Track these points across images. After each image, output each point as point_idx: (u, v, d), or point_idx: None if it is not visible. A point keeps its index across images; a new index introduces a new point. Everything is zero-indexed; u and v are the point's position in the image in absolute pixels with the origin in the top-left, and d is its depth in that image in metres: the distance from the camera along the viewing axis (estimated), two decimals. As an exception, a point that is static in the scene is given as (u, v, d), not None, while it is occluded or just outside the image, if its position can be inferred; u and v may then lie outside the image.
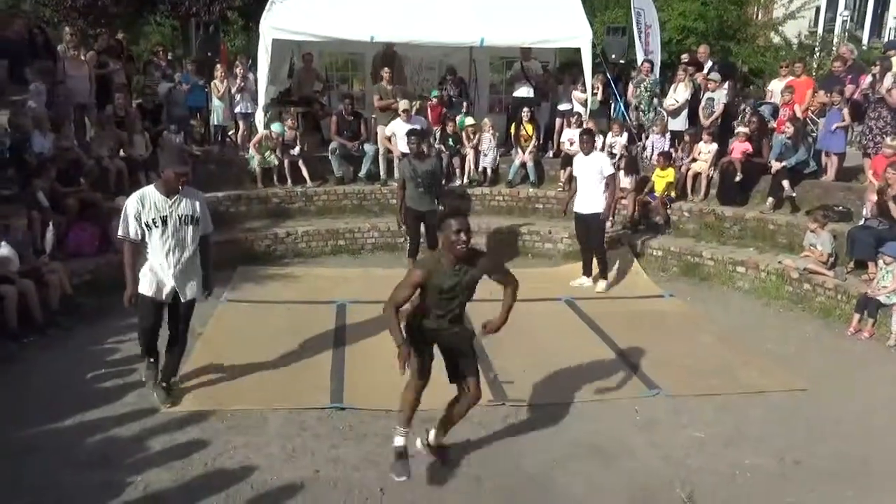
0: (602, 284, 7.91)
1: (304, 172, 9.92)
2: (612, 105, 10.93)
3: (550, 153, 10.92)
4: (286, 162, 9.86)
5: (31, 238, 6.59)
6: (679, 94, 10.35)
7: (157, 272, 4.77)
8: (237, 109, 10.63)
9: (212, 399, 5.05)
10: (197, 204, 4.83)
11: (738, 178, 9.12)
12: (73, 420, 4.70)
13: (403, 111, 9.41)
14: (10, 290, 5.83)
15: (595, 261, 7.97)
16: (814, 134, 9.44)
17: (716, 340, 6.53)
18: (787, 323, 7.09)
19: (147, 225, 4.64)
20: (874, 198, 7.40)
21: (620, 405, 5.15)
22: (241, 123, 10.70)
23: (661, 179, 9.38)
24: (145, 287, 4.78)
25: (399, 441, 4.11)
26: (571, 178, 9.99)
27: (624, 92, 11.11)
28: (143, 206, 4.62)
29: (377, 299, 7.18)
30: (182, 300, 4.90)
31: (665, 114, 10.40)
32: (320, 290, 7.63)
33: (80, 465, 4.19)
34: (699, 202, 9.48)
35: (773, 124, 9.71)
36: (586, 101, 10.55)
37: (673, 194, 9.49)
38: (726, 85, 10.18)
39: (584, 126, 10.11)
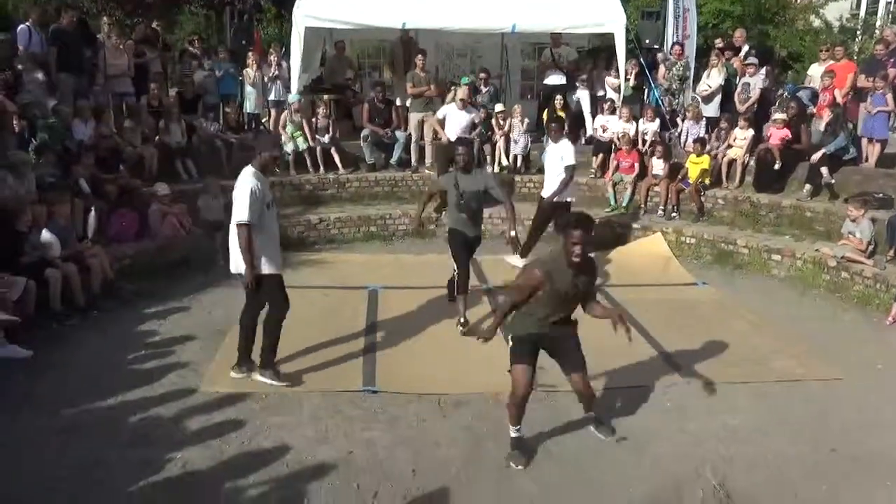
0: (516, 259, 7.56)
1: (337, 159, 10.00)
2: (646, 91, 10.79)
3: (583, 140, 10.84)
4: (318, 149, 9.95)
5: (73, 224, 6.77)
6: (712, 79, 10.19)
7: (276, 250, 5.02)
8: (270, 97, 10.75)
9: (248, 381, 5.16)
10: None
11: (777, 166, 8.96)
12: (114, 399, 4.85)
13: (460, 99, 9.32)
14: (55, 274, 6.02)
15: (531, 240, 7.89)
16: (853, 120, 9.23)
17: (750, 329, 6.45)
18: (824, 312, 6.97)
19: (267, 205, 4.86)
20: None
21: (652, 392, 5.13)
22: (272, 111, 10.81)
23: (696, 166, 9.26)
24: (273, 267, 4.96)
25: (514, 433, 4.30)
26: (604, 164, 9.98)
27: (657, 77, 10.98)
28: (259, 188, 4.76)
29: (408, 285, 7.39)
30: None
31: (699, 99, 10.24)
32: (352, 276, 7.71)
33: (121, 444, 4.33)
34: (734, 189, 9.34)
35: (813, 109, 9.51)
36: (619, 87, 10.44)
37: (707, 181, 9.37)
38: (763, 70, 9.98)
39: (618, 110, 10.08)
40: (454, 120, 9.23)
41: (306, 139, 9.90)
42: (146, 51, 10.14)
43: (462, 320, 6.17)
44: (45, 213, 6.43)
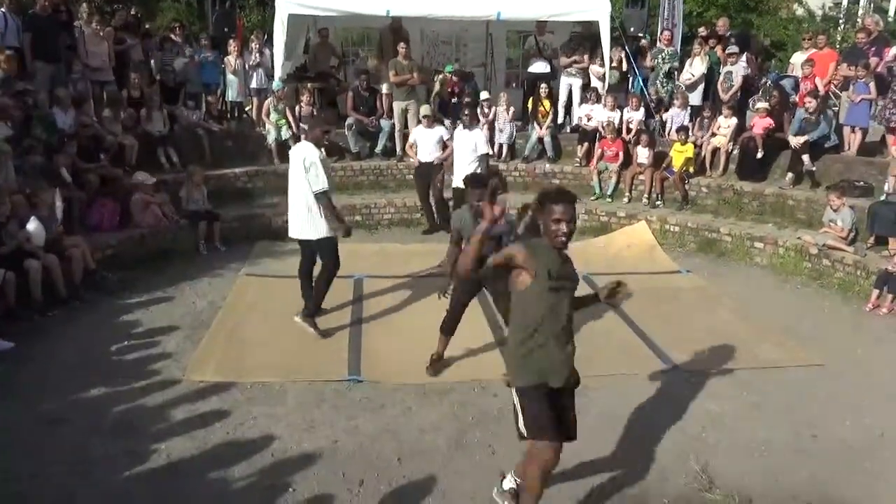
0: None
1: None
2: (630, 79, 10.80)
3: (568, 128, 10.85)
4: (302, 137, 9.86)
5: (54, 213, 6.68)
6: (695, 67, 10.22)
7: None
8: (252, 85, 10.65)
9: (232, 371, 5.14)
10: None
11: (759, 155, 9.02)
12: (98, 391, 4.81)
13: (424, 117, 8.74)
14: (35, 265, 5.94)
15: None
16: (835, 108, 9.29)
17: (733, 316, 6.52)
18: (805, 299, 7.05)
19: (328, 175, 5.51)
20: (896, 172, 7.31)
21: (637, 380, 5.17)
22: (255, 99, 10.72)
23: (680, 154, 9.30)
24: (331, 231, 5.64)
25: (509, 483, 3.56)
26: (589, 153, 9.99)
27: (642, 66, 10.99)
28: (323, 159, 5.50)
29: (393, 274, 7.38)
30: None
31: (683, 87, 10.27)
32: (337, 265, 7.68)
33: (105, 434, 4.30)
34: (718, 178, 9.40)
35: (795, 98, 9.57)
36: (604, 75, 10.44)
37: (691, 169, 9.42)
38: (744, 57, 10.02)
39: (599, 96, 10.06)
40: (422, 140, 8.75)
41: (290, 127, 9.82)
42: (126, 38, 9.99)
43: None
44: (27, 202, 6.32)
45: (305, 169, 5.42)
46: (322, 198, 5.47)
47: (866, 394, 5.03)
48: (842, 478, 4.03)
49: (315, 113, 10.09)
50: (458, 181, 7.69)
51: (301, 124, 9.86)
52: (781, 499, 3.85)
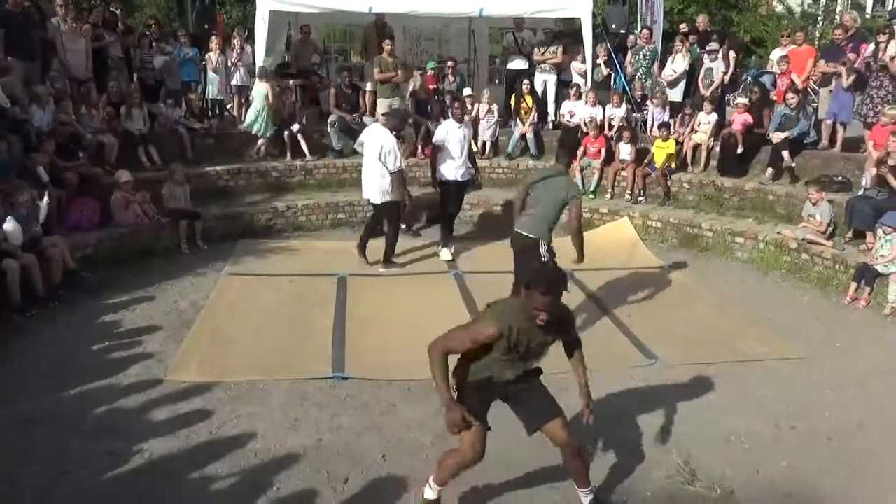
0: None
1: (304, 146, 9.89)
2: (613, 76, 10.86)
3: (551, 125, 10.88)
4: (285, 134, 9.83)
5: (35, 213, 6.58)
6: (677, 64, 10.28)
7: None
8: (233, 82, 10.57)
9: (215, 370, 5.11)
10: None
11: (739, 151, 9.11)
12: (78, 391, 4.77)
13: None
14: (13, 265, 5.86)
15: (447, 229, 8.08)
16: (814, 104, 9.39)
17: (714, 310, 6.58)
18: (785, 293, 7.13)
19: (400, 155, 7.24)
20: (874, 168, 7.39)
21: (619, 374, 5.20)
22: (235, 97, 10.65)
23: (662, 151, 9.36)
24: (396, 196, 7.32)
25: (430, 494, 3.54)
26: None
27: (624, 62, 11.05)
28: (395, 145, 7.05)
29: (376, 273, 7.36)
30: None
31: (665, 84, 10.34)
32: (321, 263, 7.66)
33: (86, 435, 4.26)
34: (699, 173, 9.48)
35: (774, 95, 9.66)
36: (585, 72, 10.48)
37: (673, 165, 9.49)
38: (720, 53, 10.09)
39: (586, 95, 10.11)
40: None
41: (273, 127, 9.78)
42: (105, 34, 9.87)
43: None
44: (7, 203, 6.23)
45: (384, 152, 6.93)
46: (397, 175, 7.10)
47: (845, 385, 5.10)
48: (821, 468, 4.09)
49: (298, 110, 10.06)
50: (450, 175, 7.74)
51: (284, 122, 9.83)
52: (762, 489, 3.89)
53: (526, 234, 5.53)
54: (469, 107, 10.17)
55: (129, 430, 4.31)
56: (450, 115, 7.97)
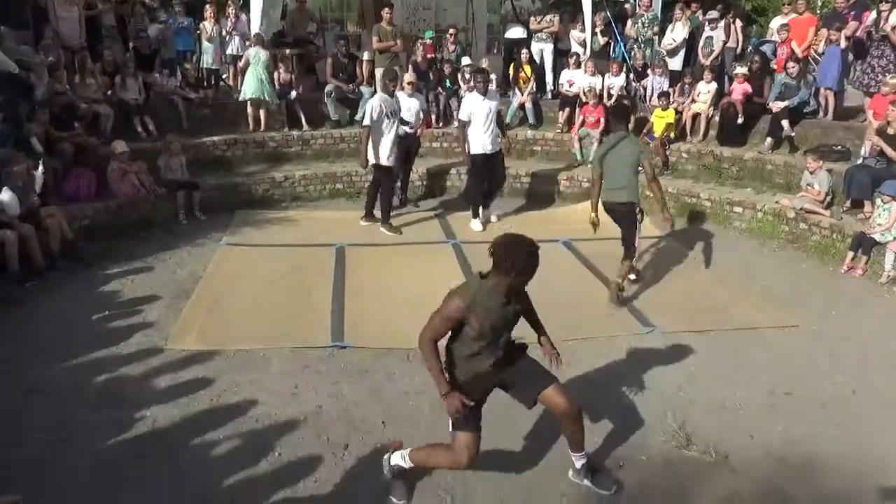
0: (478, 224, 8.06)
1: (301, 116, 9.83)
2: (612, 45, 10.75)
3: (549, 94, 10.80)
4: (283, 104, 9.75)
5: (31, 183, 6.56)
6: (676, 33, 10.18)
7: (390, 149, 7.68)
8: (228, 51, 10.46)
9: (215, 339, 5.14)
10: None
11: (739, 121, 9.06)
12: (80, 360, 4.80)
13: (409, 83, 8.25)
14: (10, 235, 5.86)
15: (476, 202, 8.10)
16: (814, 73, 9.32)
17: (711, 279, 6.61)
18: (783, 262, 7.16)
19: (387, 115, 7.50)
20: (874, 137, 7.36)
21: (616, 342, 5.24)
22: (230, 67, 10.54)
23: (661, 120, 9.31)
24: (390, 161, 7.71)
25: (400, 462, 3.53)
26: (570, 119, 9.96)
27: (624, 31, 10.93)
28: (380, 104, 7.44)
29: (374, 242, 7.37)
30: None
31: (664, 53, 10.25)
32: (319, 233, 7.67)
33: (89, 404, 4.30)
34: (698, 143, 9.44)
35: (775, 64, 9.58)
36: (584, 41, 10.38)
37: (672, 135, 9.44)
38: (721, 23, 9.99)
39: (584, 64, 10.02)
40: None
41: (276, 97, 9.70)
42: (98, 3, 9.73)
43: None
44: (3, 173, 6.20)
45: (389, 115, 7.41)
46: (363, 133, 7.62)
47: (840, 353, 5.14)
48: (815, 433, 4.14)
49: (294, 79, 9.97)
50: (477, 148, 7.69)
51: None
52: (756, 454, 3.95)
53: (622, 201, 5.92)
54: (468, 76, 10.02)
55: (131, 399, 4.34)
56: (473, 87, 7.85)
